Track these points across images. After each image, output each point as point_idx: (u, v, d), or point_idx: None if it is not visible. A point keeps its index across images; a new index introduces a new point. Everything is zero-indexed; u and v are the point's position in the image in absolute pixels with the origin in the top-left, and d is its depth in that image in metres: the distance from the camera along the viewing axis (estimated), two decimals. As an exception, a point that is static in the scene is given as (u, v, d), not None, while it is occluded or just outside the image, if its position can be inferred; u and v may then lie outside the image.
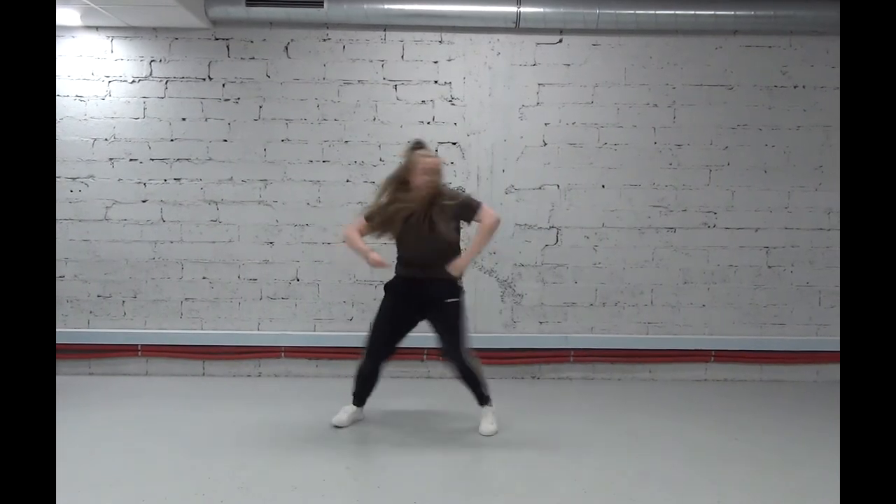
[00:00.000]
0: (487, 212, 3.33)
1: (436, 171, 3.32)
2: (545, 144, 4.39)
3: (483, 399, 3.54)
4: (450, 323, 3.38)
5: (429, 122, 4.35)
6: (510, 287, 4.46)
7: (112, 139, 4.33)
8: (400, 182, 3.34)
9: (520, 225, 4.43)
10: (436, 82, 4.35)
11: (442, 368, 4.42)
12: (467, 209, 3.33)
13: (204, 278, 4.41)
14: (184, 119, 4.33)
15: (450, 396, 4.01)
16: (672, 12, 4.18)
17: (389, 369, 4.44)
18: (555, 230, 4.43)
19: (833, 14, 4.13)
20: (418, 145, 3.38)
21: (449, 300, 3.38)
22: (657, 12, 4.18)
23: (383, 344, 3.49)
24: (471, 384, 3.50)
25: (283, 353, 4.44)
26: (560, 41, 4.34)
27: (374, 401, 3.94)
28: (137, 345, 4.41)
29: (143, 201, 4.37)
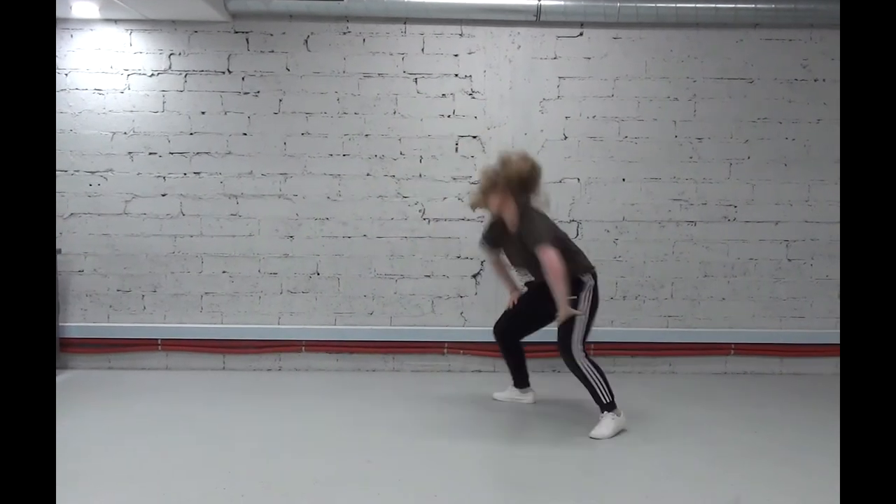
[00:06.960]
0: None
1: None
2: (566, 138, 4.39)
3: (601, 406, 3.37)
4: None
5: (449, 116, 4.35)
6: (530, 281, 4.46)
7: (131, 133, 4.32)
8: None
9: (540, 218, 4.42)
10: (456, 75, 4.33)
11: (463, 362, 4.43)
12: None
13: (224, 272, 4.40)
14: (203, 113, 4.32)
15: (470, 389, 4.02)
16: (692, 5, 4.18)
17: (410, 363, 4.47)
18: (575, 223, 4.43)
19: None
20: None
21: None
22: (677, 5, 4.17)
23: (506, 321, 3.77)
24: (585, 387, 3.39)
25: (303, 347, 4.43)
26: (580, 34, 4.33)
27: (396, 393, 3.96)
28: (157, 339, 4.40)
29: (163, 195, 4.35)
